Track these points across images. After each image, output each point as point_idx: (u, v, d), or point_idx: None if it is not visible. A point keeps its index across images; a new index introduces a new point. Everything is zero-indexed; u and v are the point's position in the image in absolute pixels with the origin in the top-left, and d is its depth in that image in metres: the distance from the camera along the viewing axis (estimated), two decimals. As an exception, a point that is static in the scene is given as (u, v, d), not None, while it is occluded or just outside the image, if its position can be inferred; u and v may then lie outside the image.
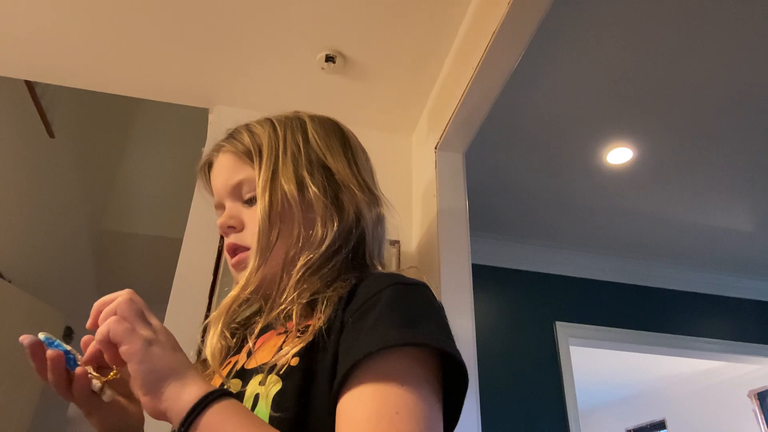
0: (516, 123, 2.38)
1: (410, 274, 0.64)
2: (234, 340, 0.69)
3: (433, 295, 0.60)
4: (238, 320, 0.73)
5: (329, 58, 1.85)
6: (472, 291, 1.70)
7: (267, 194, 0.67)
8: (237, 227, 0.70)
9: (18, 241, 2.94)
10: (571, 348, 3.03)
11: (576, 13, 1.88)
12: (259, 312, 0.73)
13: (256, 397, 0.55)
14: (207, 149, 0.79)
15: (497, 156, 2.58)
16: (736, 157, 2.55)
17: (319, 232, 0.66)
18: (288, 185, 0.67)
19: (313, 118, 0.76)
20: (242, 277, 0.66)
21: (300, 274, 0.64)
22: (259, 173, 0.68)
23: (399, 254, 1.96)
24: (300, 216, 0.67)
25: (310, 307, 0.62)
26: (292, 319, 0.61)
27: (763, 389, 5.02)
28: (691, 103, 2.25)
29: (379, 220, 0.74)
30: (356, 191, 0.70)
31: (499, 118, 2.26)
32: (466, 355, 1.61)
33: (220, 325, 0.65)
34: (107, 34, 1.80)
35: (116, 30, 1.78)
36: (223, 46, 1.83)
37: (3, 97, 2.69)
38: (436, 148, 1.87)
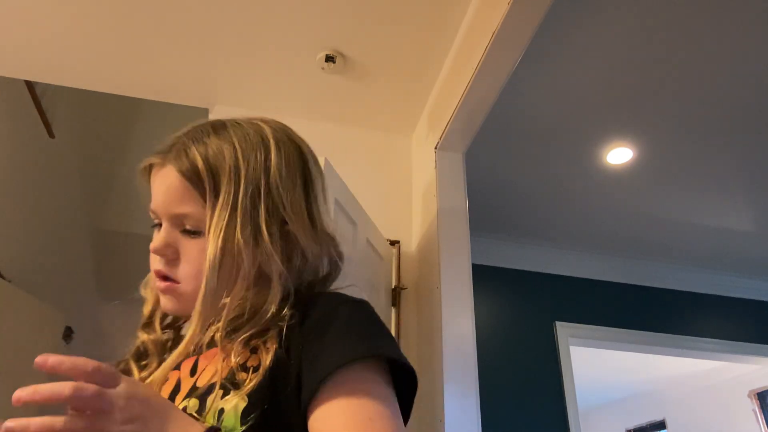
0: (516, 123, 2.38)
1: (350, 292, 0.65)
2: (166, 341, 0.69)
3: (374, 310, 0.63)
4: (170, 323, 0.73)
5: (329, 58, 1.85)
6: (472, 291, 1.70)
7: (219, 241, 0.60)
8: (169, 256, 0.64)
9: (18, 241, 2.94)
10: (571, 348, 3.03)
11: (576, 13, 1.87)
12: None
13: (221, 412, 0.54)
14: (152, 154, 0.71)
15: (497, 156, 2.58)
16: (736, 157, 2.56)
17: (267, 298, 0.62)
18: (243, 235, 0.61)
19: (278, 145, 0.67)
20: (186, 337, 0.61)
21: (233, 322, 0.61)
22: (212, 214, 0.61)
23: (399, 254, 1.96)
24: (248, 268, 0.62)
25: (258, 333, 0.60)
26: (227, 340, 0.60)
27: (763, 389, 5.02)
28: (692, 103, 2.25)
29: (333, 265, 0.71)
30: (311, 244, 0.66)
31: (499, 118, 2.25)
32: (467, 355, 1.61)
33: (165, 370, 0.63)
34: (107, 35, 1.80)
35: (116, 30, 1.78)
36: (223, 47, 1.83)
37: (3, 97, 2.69)
38: (436, 148, 1.87)
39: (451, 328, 1.62)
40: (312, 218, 0.67)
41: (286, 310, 0.61)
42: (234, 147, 0.64)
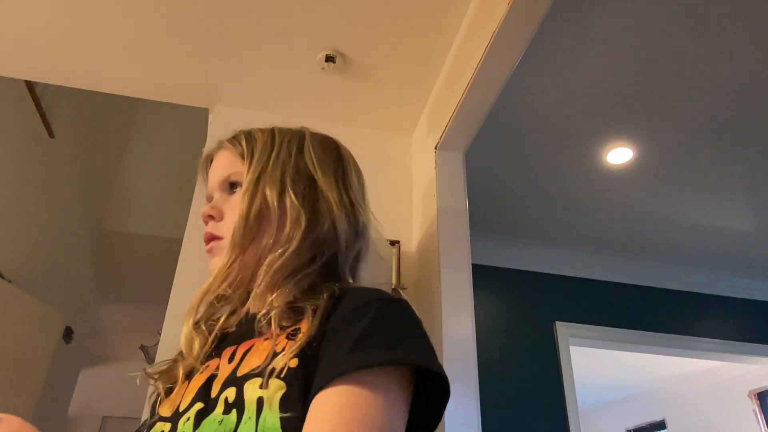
0: (516, 123, 2.38)
1: (386, 289, 0.66)
2: (212, 337, 0.70)
3: (414, 311, 0.63)
4: (215, 317, 0.74)
5: (329, 58, 1.85)
6: (472, 291, 1.70)
7: (248, 194, 0.70)
8: (216, 218, 0.73)
9: (18, 241, 2.94)
10: (571, 348, 3.03)
11: (576, 13, 1.88)
12: (233, 314, 0.75)
13: (260, 401, 0.55)
14: (208, 149, 0.82)
15: (497, 156, 2.58)
16: (736, 157, 2.56)
17: (287, 232, 0.69)
18: (270, 190, 0.70)
19: (314, 134, 0.80)
20: (215, 270, 0.68)
21: (271, 276, 0.66)
22: (247, 173, 0.72)
23: (399, 254, 1.96)
24: (276, 221, 0.69)
25: (292, 311, 0.63)
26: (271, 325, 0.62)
27: (763, 389, 5.02)
28: (691, 102, 2.25)
29: (358, 235, 0.75)
30: (334, 203, 0.73)
31: (499, 118, 2.26)
32: (467, 355, 1.61)
33: (193, 317, 0.67)
34: (107, 34, 1.80)
35: (116, 30, 1.78)
36: (223, 46, 1.84)
37: (3, 97, 2.69)
38: (436, 148, 1.87)
39: (451, 328, 1.62)
40: (338, 184, 0.75)
41: (325, 289, 0.64)
42: (274, 131, 0.77)
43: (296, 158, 0.74)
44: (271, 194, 0.70)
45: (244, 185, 0.71)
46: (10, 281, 2.72)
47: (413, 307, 0.64)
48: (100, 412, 5.03)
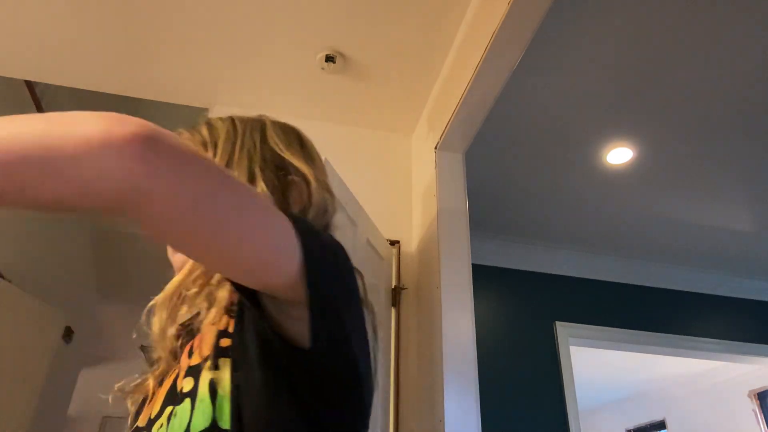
0: (516, 123, 2.38)
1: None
2: (179, 342, 0.69)
3: (345, 252, 0.59)
4: (182, 322, 0.73)
5: (329, 58, 1.85)
6: (472, 291, 1.70)
7: None
8: None
9: (18, 241, 2.94)
10: (571, 348, 3.03)
11: (576, 13, 1.87)
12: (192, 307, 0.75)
13: (212, 383, 0.55)
14: None
15: (497, 156, 2.58)
16: (736, 157, 2.56)
17: None
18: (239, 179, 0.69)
19: (274, 122, 0.78)
20: (185, 262, 0.67)
21: None
22: None
23: (399, 254, 1.96)
24: None
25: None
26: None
27: (763, 389, 5.02)
28: (691, 103, 2.25)
29: (324, 214, 0.74)
30: (310, 178, 0.72)
31: (499, 118, 2.25)
32: (467, 355, 1.61)
33: (166, 311, 0.66)
34: (107, 35, 1.80)
35: (116, 30, 1.78)
36: (224, 47, 1.84)
37: (3, 97, 2.69)
38: (436, 148, 1.88)
39: (451, 328, 1.62)
40: (308, 164, 0.74)
41: None
42: (234, 120, 0.76)
43: (261, 147, 0.73)
44: None
45: None
46: (10, 281, 2.72)
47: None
48: (100, 412, 5.03)
